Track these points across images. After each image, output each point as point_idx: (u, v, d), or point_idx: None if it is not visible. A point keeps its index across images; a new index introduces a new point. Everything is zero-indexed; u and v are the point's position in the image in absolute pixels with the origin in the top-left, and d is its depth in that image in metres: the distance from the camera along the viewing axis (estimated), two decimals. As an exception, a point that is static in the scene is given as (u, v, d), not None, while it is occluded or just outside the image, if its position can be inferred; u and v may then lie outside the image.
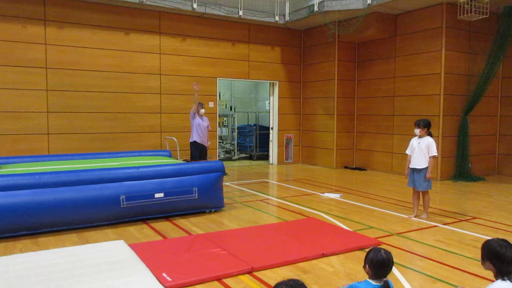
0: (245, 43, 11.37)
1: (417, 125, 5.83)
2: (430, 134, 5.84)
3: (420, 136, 5.81)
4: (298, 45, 12.25)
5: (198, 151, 8.25)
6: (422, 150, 5.73)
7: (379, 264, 2.44)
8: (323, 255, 4.32)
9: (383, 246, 3.98)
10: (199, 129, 8.23)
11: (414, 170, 5.86)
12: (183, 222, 5.70)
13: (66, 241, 4.81)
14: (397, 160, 10.21)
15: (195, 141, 8.25)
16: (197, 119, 8.26)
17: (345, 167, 11.32)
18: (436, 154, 5.74)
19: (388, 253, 2.48)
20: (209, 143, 8.63)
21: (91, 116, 9.29)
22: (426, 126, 5.78)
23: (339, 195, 7.56)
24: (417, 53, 9.71)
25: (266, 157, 12.91)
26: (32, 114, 8.67)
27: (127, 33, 9.68)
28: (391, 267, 2.48)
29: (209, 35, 10.74)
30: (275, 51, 11.89)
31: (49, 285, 3.43)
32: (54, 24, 8.85)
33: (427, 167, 5.72)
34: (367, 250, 2.61)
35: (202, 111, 8.35)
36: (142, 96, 9.96)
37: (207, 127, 8.45)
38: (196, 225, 5.56)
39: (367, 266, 2.48)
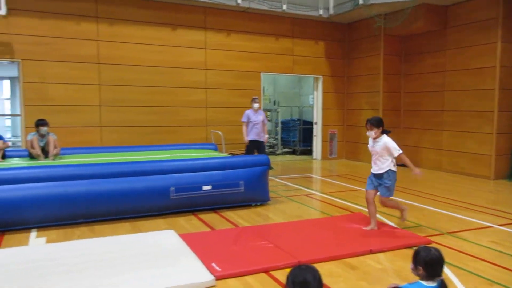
0: (289, 37, 11.33)
1: (370, 125, 4.80)
2: (385, 132, 4.87)
3: (374, 138, 4.86)
4: (342, 39, 12.05)
5: (254, 147, 8.24)
6: (378, 153, 4.83)
7: (433, 263, 2.37)
8: (371, 252, 4.27)
9: (433, 246, 3.88)
10: (254, 127, 8.18)
11: (374, 175, 4.97)
12: (229, 214, 5.80)
13: (120, 229, 5.04)
14: (447, 157, 9.85)
15: (250, 140, 8.20)
16: (251, 118, 8.18)
17: (390, 164, 11.05)
18: (400, 151, 4.74)
19: (438, 251, 2.41)
20: (266, 136, 8.51)
21: (140, 110, 9.62)
22: (379, 125, 4.80)
23: (385, 191, 7.40)
24: (469, 46, 9.29)
25: (309, 152, 12.84)
26: (85, 108, 9.10)
27: (174, 28, 9.91)
28: (443, 265, 2.42)
29: (253, 30, 10.80)
30: (319, 45, 11.77)
31: (106, 271, 3.61)
32: (105, 21, 9.21)
33: (388, 171, 4.81)
34: (416, 249, 2.54)
35: (256, 105, 8.31)
36: (189, 90, 10.18)
37: (263, 120, 8.35)
38: (243, 217, 5.65)
39: (418, 267, 2.39)
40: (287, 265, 3.87)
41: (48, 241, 4.56)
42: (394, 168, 4.87)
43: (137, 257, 3.95)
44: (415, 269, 2.43)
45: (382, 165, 4.84)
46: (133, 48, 9.50)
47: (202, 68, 10.30)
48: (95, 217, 5.25)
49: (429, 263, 2.36)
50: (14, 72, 12.92)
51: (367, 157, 11.32)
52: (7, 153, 6.57)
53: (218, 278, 3.56)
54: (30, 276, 3.46)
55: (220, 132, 9.86)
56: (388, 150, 4.78)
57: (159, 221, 5.41)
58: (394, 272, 3.80)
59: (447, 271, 3.77)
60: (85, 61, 9.06)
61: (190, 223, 5.39)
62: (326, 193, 7.38)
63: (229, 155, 7.18)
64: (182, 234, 4.71)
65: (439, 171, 9.88)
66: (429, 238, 4.74)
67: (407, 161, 4.83)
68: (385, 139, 4.81)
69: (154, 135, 9.69)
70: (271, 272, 3.76)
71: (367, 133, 4.88)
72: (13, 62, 8.69)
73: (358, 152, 11.80)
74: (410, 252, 4.16)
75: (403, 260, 4.06)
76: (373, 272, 3.82)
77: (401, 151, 4.77)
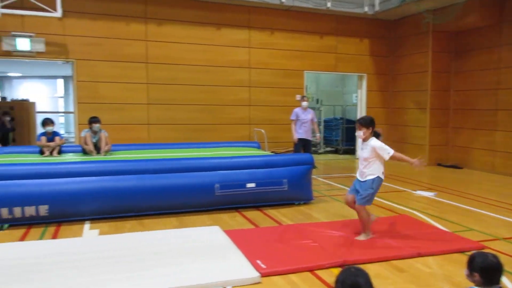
0: (333, 35, 11.18)
1: (359, 124, 4.39)
2: (376, 135, 4.44)
3: (363, 140, 4.43)
4: (388, 36, 11.74)
5: (300, 146, 8.23)
6: (364, 158, 4.41)
7: (492, 269, 2.25)
8: (419, 255, 4.15)
9: (488, 251, 3.71)
10: (301, 125, 8.16)
11: (359, 181, 4.53)
12: (273, 212, 5.83)
13: (167, 223, 5.19)
14: (501, 159, 9.38)
15: (298, 138, 8.20)
16: (299, 116, 8.17)
17: (439, 164, 10.67)
18: (391, 152, 4.30)
19: (496, 257, 2.29)
20: (318, 135, 8.44)
21: (186, 108, 9.84)
22: (369, 125, 4.34)
23: (433, 193, 7.17)
24: (527, 41, 8.79)
25: (352, 151, 12.63)
26: (134, 106, 9.43)
27: (218, 28, 10.05)
28: (502, 273, 2.31)
29: (296, 28, 10.75)
30: (363, 43, 11.53)
31: (155, 263, 3.74)
32: (153, 22, 9.49)
33: (375, 179, 4.38)
34: (469, 254, 2.43)
35: (305, 104, 8.28)
36: (232, 89, 10.30)
37: (312, 119, 8.29)
38: (286, 216, 5.66)
39: (474, 273, 2.28)
40: (332, 265, 3.84)
41: (100, 233, 4.77)
42: (382, 176, 4.46)
43: (184, 251, 4.06)
44: (470, 275, 2.33)
45: (368, 171, 4.40)
46: (179, 47, 9.73)
47: (245, 67, 10.39)
48: (144, 211, 5.44)
49: (486, 269, 2.26)
50: (67, 72, 13.60)
51: (414, 157, 10.98)
52: (63, 149, 6.93)
53: (263, 275, 3.59)
54: (84, 266, 3.64)
55: (263, 130, 9.92)
56: (376, 154, 4.33)
57: (204, 217, 5.52)
58: (444, 277, 3.68)
59: (505, 280, 3.59)
60: (134, 60, 9.38)
61: (234, 219, 5.47)
62: (370, 194, 7.22)
63: (272, 153, 7.20)
64: (227, 230, 4.78)
65: (492, 173, 9.41)
66: (483, 243, 4.54)
67: (402, 157, 4.41)
68: (373, 142, 4.34)
69: (198, 132, 9.88)
70: (315, 271, 3.75)
71: (356, 134, 4.51)
72: (67, 62, 9.15)
73: (403, 151, 11.18)
74: (461, 257, 4.03)
75: (453, 265, 3.92)
76: (422, 275, 3.71)
77: (392, 152, 4.30)
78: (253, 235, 4.66)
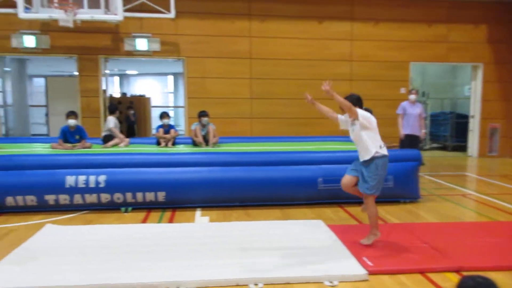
0: (443, 23, 10.40)
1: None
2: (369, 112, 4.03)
3: (353, 120, 3.98)
4: (510, 20, 10.55)
5: (407, 142, 7.91)
6: (357, 136, 3.97)
7: None
8: (552, 266, 3.71)
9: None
10: (409, 119, 7.82)
11: (360, 162, 4.05)
12: (378, 209, 5.65)
13: (271, 215, 5.34)
14: None
15: (404, 134, 7.87)
16: (407, 110, 7.82)
17: None
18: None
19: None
20: (423, 131, 8.04)
21: (287, 102, 9.98)
22: (357, 104, 3.98)
23: None
24: None
25: (463, 149, 11.67)
26: (238, 100, 9.84)
27: (320, 22, 9.98)
28: None
29: (402, 18, 10.22)
30: (479, 29, 10.53)
31: (260, 252, 3.87)
32: (257, 18, 9.77)
33: (373, 157, 3.88)
34: None
35: (412, 97, 7.88)
36: (334, 82, 10.10)
37: (420, 114, 7.90)
38: (391, 214, 5.46)
39: None
40: (447, 269, 3.62)
41: (210, 220, 5.09)
42: (382, 151, 3.90)
43: (288, 242, 4.15)
44: None
45: (364, 151, 3.95)
46: (281, 42, 9.87)
47: (347, 60, 10.18)
48: (249, 202, 5.67)
49: None
50: (176, 69, 14.64)
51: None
52: (175, 141, 7.50)
53: (370, 272, 3.52)
54: (197, 249, 3.92)
55: (365, 125, 9.63)
56: (363, 126, 3.88)
57: (306, 211, 5.56)
58: None
59: None
60: (238, 56, 9.77)
61: (337, 214, 5.43)
62: (486, 194, 6.63)
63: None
64: (330, 225, 4.77)
65: None
66: None
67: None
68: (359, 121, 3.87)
69: (299, 126, 9.96)
70: (427, 274, 3.57)
71: (340, 116, 4.16)
72: (179, 59, 9.85)
73: (526, 150, 10.27)
74: None
75: None
76: (554, 289, 3.32)
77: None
78: (357, 231, 4.58)
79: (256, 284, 3.24)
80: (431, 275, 3.55)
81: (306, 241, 4.20)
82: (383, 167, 3.97)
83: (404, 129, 7.79)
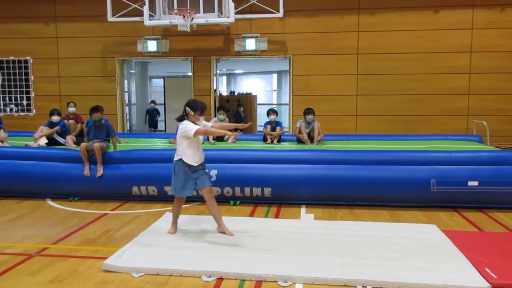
0: None
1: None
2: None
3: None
4: None
5: None
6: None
7: None
8: None
9: None
10: None
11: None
12: (500, 216, 5.12)
13: (378, 216, 5.16)
14: None
15: None
16: None
17: None
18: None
19: None
20: None
21: (395, 98, 9.52)
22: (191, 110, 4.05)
23: None
24: None
25: None
26: (343, 97, 9.66)
27: (436, 11, 9.30)
28: None
29: (538, -1, 9.04)
30: None
31: (367, 253, 3.76)
32: (366, 12, 9.46)
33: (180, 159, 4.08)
34: None
35: None
36: (448, 76, 9.42)
37: None
38: (519, 222, 4.89)
39: None
40: None
41: (315, 218, 5.09)
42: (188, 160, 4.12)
43: (399, 246, 3.96)
44: None
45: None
46: (391, 36, 9.44)
47: (466, 51, 9.34)
48: (355, 201, 5.54)
49: None
50: (281, 67, 14.87)
51: None
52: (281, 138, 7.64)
53: (494, 285, 3.20)
54: (305, 246, 3.95)
55: (484, 122, 8.75)
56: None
57: (417, 213, 5.25)
58: None
59: None
60: (345, 52, 9.58)
61: (453, 219, 5.03)
62: None
63: (498, 149, 6.30)
64: (445, 230, 4.44)
65: None
66: None
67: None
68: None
69: (406, 124, 9.44)
70: None
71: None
72: (285, 57, 10.00)
73: None
74: None
75: None
76: None
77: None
78: (477, 239, 4.19)
79: (364, 287, 3.17)
80: None
81: (418, 246, 3.97)
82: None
83: None
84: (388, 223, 4.80)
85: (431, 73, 9.44)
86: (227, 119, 7.66)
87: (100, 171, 5.74)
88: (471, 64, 9.35)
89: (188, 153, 4.07)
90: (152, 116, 12.64)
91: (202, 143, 4.36)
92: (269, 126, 7.37)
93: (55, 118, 7.20)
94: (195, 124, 4.06)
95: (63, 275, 3.43)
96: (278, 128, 7.37)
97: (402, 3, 9.33)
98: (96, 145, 5.75)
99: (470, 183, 5.26)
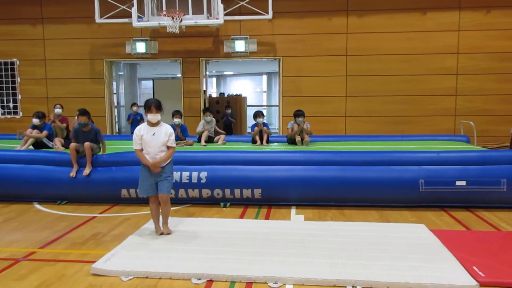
0: None
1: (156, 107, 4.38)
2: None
3: (155, 124, 4.40)
4: None
5: None
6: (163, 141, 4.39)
7: None
8: None
9: None
10: None
11: None
12: (487, 215, 5.18)
13: (368, 216, 5.19)
14: None
15: None
16: None
17: None
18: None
19: None
20: None
21: (384, 99, 9.59)
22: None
23: None
24: None
25: None
26: (332, 98, 9.70)
27: (423, 13, 9.41)
28: None
29: (520, 3, 9.18)
30: None
31: (358, 254, 3.77)
32: (354, 14, 9.52)
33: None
34: None
35: None
36: (436, 77, 9.52)
37: None
38: (505, 221, 4.95)
39: None
40: None
41: (305, 219, 5.10)
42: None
43: (388, 246, 3.98)
44: None
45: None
46: (380, 37, 9.51)
47: (453, 53, 9.45)
48: (345, 202, 5.56)
49: None
50: (270, 68, 14.88)
51: None
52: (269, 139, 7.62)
53: (482, 284, 3.23)
54: (294, 247, 3.95)
55: (471, 123, 8.86)
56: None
57: (406, 213, 5.30)
58: None
59: None
60: (334, 54, 9.63)
61: (441, 219, 5.08)
62: None
63: (484, 149, 6.38)
64: (434, 230, 4.48)
65: None
66: None
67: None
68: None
69: (396, 125, 9.52)
70: (551, 291, 3.18)
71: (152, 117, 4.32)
72: (275, 59, 10.02)
73: None
74: None
75: None
76: None
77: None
78: (465, 238, 4.24)
79: (354, 287, 3.18)
80: (556, 293, 3.15)
81: (407, 245, 4.00)
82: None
83: None
84: (378, 223, 4.83)
85: (419, 74, 9.53)
86: (214, 120, 7.63)
87: (87, 170, 5.68)
88: (458, 66, 9.47)
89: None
90: (135, 122, 9.99)
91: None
92: (256, 129, 7.35)
93: (35, 121, 6.95)
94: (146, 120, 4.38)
95: (50, 279, 3.38)
96: (265, 128, 7.35)
97: (390, 5, 9.42)
98: (87, 143, 5.67)
99: (458, 183, 5.32)
